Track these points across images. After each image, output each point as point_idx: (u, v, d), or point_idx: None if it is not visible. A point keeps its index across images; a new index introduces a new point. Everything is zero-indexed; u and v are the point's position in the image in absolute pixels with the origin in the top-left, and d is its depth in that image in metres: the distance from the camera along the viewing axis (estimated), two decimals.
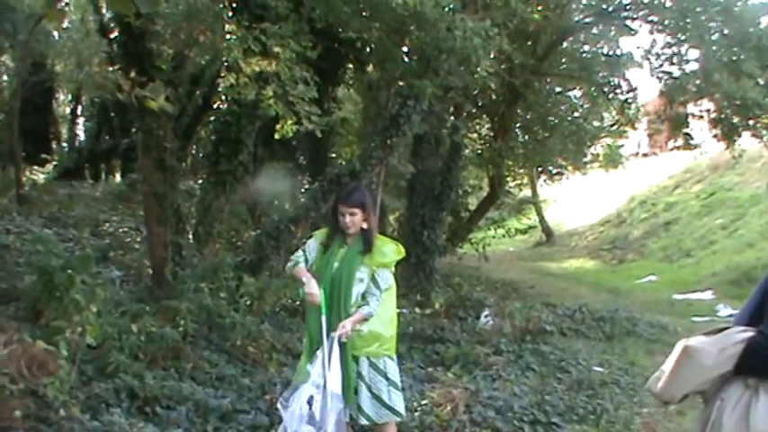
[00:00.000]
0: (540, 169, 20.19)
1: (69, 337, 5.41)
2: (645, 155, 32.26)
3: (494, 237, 19.71)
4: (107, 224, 14.80)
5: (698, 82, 13.81)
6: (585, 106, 17.93)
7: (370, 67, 14.19)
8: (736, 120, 14.28)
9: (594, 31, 15.57)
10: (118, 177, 25.20)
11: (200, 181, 15.29)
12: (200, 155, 23.14)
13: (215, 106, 16.54)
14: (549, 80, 17.00)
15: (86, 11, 14.84)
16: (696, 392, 2.98)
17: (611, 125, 18.65)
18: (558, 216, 31.29)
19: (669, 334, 10.86)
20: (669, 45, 14.51)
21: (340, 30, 11.29)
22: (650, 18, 14.10)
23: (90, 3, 12.41)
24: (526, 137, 18.28)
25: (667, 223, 24.16)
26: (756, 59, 12.41)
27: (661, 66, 14.81)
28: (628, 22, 14.55)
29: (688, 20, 12.88)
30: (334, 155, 16.31)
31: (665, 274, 19.46)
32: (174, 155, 9.35)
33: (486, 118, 18.08)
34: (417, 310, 10.78)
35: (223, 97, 13.41)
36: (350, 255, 4.65)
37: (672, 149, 25.40)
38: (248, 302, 8.64)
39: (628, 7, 14.25)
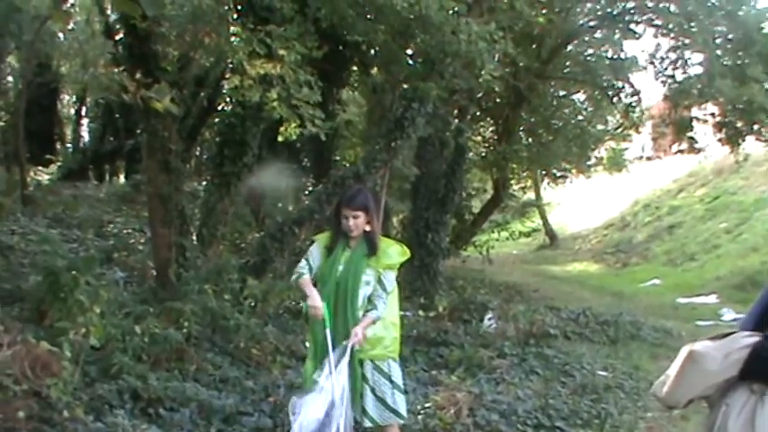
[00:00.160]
0: (543, 172, 20.18)
1: (73, 338, 5.42)
2: (649, 158, 32.21)
3: (497, 240, 19.71)
4: (111, 225, 14.80)
5: (702, 86, 13.80)
6: (590, 110, 17.94)
7: (374, 70, 14.18)
8: (740, 124, 14.27)
9: (599, 34, 15.59)
10: (122, 178, 25.22)
11: (204, 183, 15.29)
12: (205, 156, 23.17)
13: (219, 108, 16.55)
14: (553, 83, 17.02)
15: (92, 12, 14.87)
16: (701, 397, 2.97)
17: (616, 128, 18.67)
18: (562, 219, 31.26)
19: (673, 338, 10.85)
20: (673, 49, 14.53)
21: (345, 32, 11.30)
22: (655, 22, 14.12)
23: (95, 4, 12.43)
24: (530, 140, 18.25)
25: (671, 227, 24.12)
26: (761, 64, 12.40)
27: (665, 69, 14.83)
28: (632, 25, 14.57)
29: (693, 24, 12.88)
30: (338, 157, 16.31)
31: (669, 277, 19.43)
32: (179, 156, 9.35)
33: (490, 121, 18.08)
34: (421, 312, 10.78)
35: (228, 99, 13.42)
36: (355, 258, 4.65)
37: (676, 153, 25.42)
38: (252, 304, 8.64)
39: (632, 11, 14.27)
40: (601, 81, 15.66)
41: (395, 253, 4.71)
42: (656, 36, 14.60)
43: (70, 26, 17.11)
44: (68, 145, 28.13)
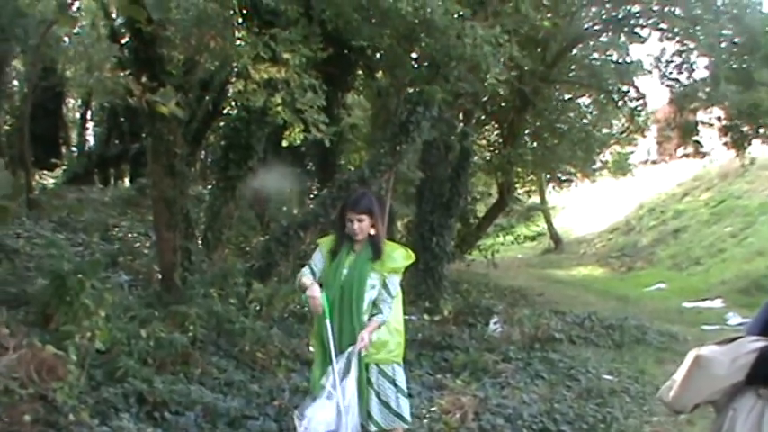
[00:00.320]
0: (548, 176, 20.18)
1: (79, 341, 5.43)
2: (654, 162, 32.14)
3: (502, 244, 19.71)
4: (116, 229, 14.80)
5: (708, 90, 13.79)
6: (595, 113, 17.93)
7: (379, 74, 14.18)
8: (745, 128, 14.26)
9: (604, 38, 15.57)
10: (127, 182, 25.24)
11: (209, 186, 15.31)
12: (210, 160, 23.21)
13: (224, 112, 16.58)
14: (558, 87, 17.00)
15: (97, 16, 14.86)
16: (708, 402, 2.97)
17: (621, 132, 18.66)
18: (567, 223, 31.24)
19: (679, 342, 10.84)
20: (679, 53, 14.51)
21: (350, 36, 11.30)
22: (660, 26, 14.10)
23: (101, 8, 12.43)
24: (535, 144, 18.24)
25: (676, 231, 24.07)
26: (767, 68, 12.39)
27: (671, 73, 14.82)
28: (637, 29, 14.55)
29: (698, 28, 12.87)
30: (343, 161, 16.30)
31: (674, 282, 19.39)
32: (184, 160, 9.35)
33: (495, 125, 18.06)
34: (426, 316, 10.78)
35: (233, 103, 13.44)
36: (359, 261, 4.64)
37: (681, 157, 25.31)
38: (257, 308, 8.64)
39: (637, 15, 14.25)
40: (606, 85, 15.65)
41: (399, 257, 4.70)
42: (661, 40, 14.61)
43: (75, 30, 17.14)
44: (73, 149, 28.21)
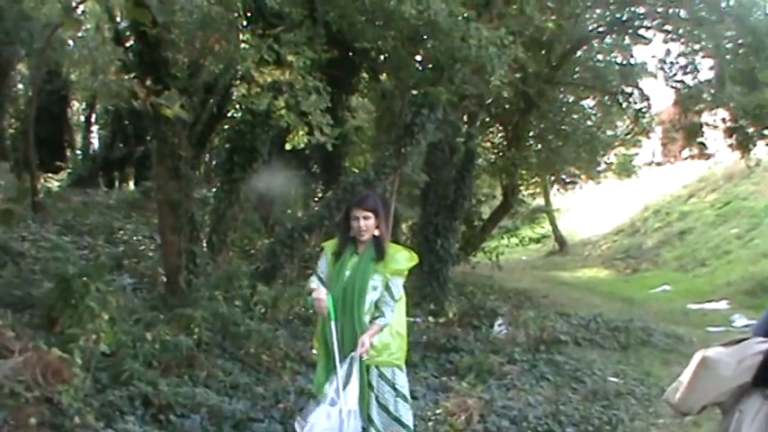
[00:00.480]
0: (553, 178, 20.14)
1: (84, 344, 5.43)
2: (659, 164, 32.10)
3: (507, 246, 19.71)
4: (121, 232, 14.83)
5: (712, 91, 13.77)
6: (599, 115, 17.88)
7: (384, 76, 14.18)
8: (751, 129, 14.22)
9: (608, 40, 15.56)
10: (132, 185, 25.30)
11: (213, 189, 15.32)
12: (214, 163, 23.24)
13: (229, 115, 16.59)
14: (562, 89, 16.97)
15: (102, 19, 14.90)
16: (714, 404, 2.96)
17: (625, 134, 18.61)
18: (572, 225, 31.19)
19: (684, 344, 10.81)
20: (683, 54, 14.48)
21: (354, 39, 11.30)
22: (664, 27, 14.08)
23: (105, 11, 12.46)
24: (539, 146, 18.19)
25: (682, 233, 24.03)
26: None
27: (675, 75, 14.79)
28: (642, 31, 14.53)
29: (703, 29, 12.84)
30: (347, 164, 16.30)
31: (680, 283, 19.35)
32: (189, 163, 9.36)
33: (499, 127, 18.04)
34: (431, 318, 10.77)
35: (237, 106, 13.45)
36: (362, 263, 4.63)
37: (686, 158, 25.30)
38: (262, 310, 8.66)
39: (642, 16, 14.23)
40: (610, 87, 15.63)
41: (403, 259, 4.69)
42: (665, 41, 14.57)
43: (80, 33, 17.20)
44: (78, 152, 28.25)
